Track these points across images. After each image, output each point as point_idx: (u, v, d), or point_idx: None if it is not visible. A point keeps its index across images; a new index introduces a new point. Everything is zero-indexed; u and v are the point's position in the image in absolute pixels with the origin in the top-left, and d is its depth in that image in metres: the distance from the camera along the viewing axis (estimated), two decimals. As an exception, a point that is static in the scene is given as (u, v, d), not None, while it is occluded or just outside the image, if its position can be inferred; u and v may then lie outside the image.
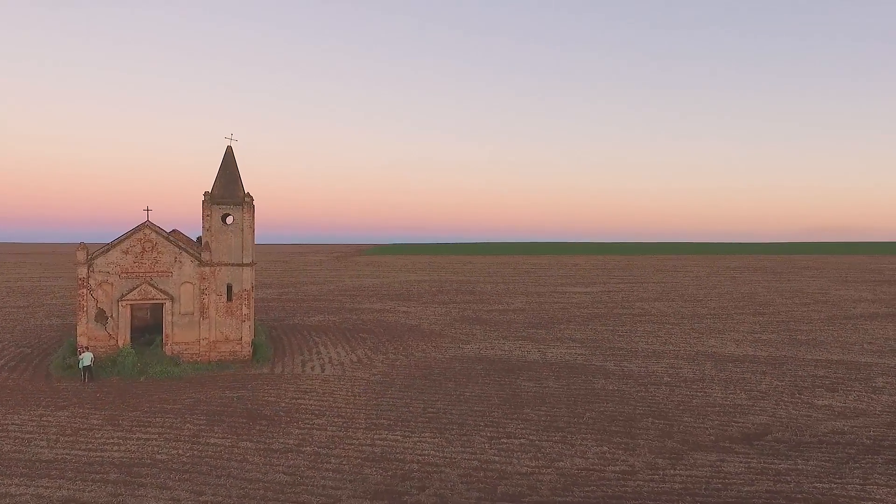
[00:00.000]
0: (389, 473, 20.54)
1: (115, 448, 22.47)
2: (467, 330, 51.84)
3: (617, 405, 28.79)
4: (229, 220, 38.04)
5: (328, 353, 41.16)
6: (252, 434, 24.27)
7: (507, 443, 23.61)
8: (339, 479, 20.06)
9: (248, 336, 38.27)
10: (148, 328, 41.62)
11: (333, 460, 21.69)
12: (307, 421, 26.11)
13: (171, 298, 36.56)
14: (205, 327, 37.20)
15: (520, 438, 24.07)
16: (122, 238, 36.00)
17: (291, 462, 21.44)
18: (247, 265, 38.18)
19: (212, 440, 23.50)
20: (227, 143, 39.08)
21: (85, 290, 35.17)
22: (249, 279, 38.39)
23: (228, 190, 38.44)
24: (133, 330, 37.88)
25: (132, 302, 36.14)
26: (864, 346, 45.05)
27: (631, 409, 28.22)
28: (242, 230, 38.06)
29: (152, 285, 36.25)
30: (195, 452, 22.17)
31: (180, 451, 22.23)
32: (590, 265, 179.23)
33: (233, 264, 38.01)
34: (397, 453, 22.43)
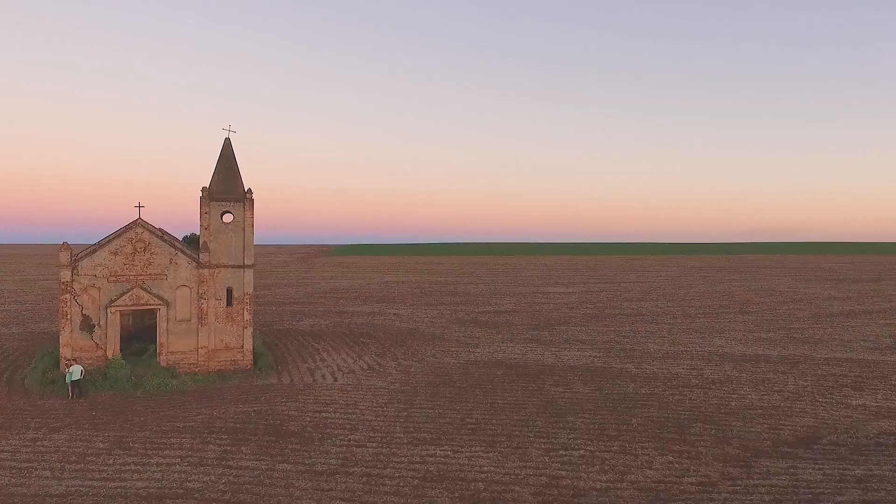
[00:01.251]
0: (456, 495, 18.71)
1: (135, 476, 19.68)
2: (468, 332, 50.23)
3: (659, 410, 27.82)
4: (227, 217, 35.09)
5: (333, 360, 38.70)
6: (286, 454, 21.90)
7: (565, 455, 22.16)
8: (406, 503, 18.11)
9: (249, 344, 35.40)
10: (132, 336, 38.08)
11: (389, 482, 19.68)
12: (341, 437, 23.90)
13: (167, 304, 33.33)
14: (203, 335, 34.13)
15: (577, 450, 22.66)
16: (110, 237, 32.55)
17: (343, 485, 19.29)
18: (248, 267, 35.31)
19: (243, 463, 21.01)
20: (225, 134, 36.16)
21: (68, 296, 31.55)
22: (251, 282, 35.52)
23: (228, 185, 35.49)
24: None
25: (122, 308, 32.73)
26: (861, 343, 46.09)
27: (674, 413, 27.31)
28: (244, 229, 35.18)
29: (145, 289, 32.94)
30: (230, 478, 19.67)
31: (213, 478, 19.68)
32: (559, 265, 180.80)
33: (233, 266, 35.06)
34: (454, 471, 20.60)
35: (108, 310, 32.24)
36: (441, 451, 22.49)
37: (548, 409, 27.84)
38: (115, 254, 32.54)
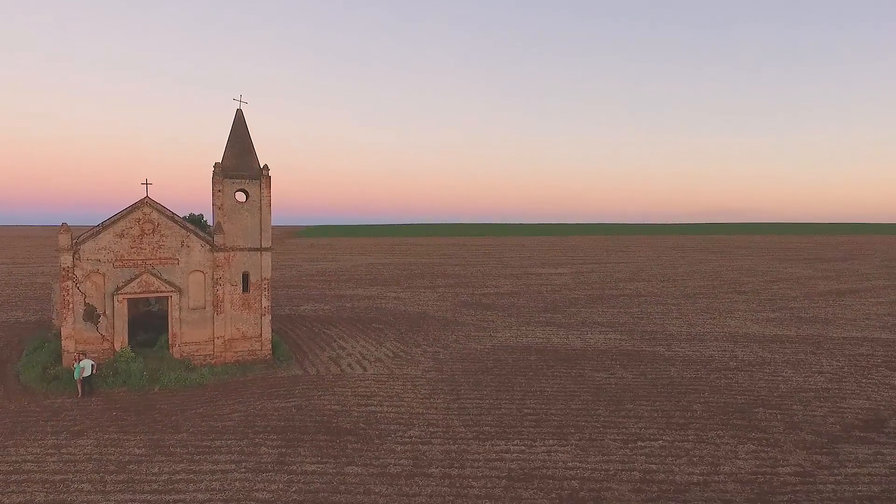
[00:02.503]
0: (554, 496, 17.34)
1: (192, 487, 17.48)
2: (481, 316, 48.82)
3: (713, 395, 27.07)
4: (240, 196, 32.25)
5: (353, 347, 36.64)
6: (349, 455, 20.01)
7: (644, 446, 21.07)
8: (503, 508, 16.63)
9: (268, 332, 32.94)
10: (133, 325, 34.99)
11: (475, 483, 18.13)
12: (399, 433, 22.14)
13: (179, 290, 30.49)
14: (219, 324, 31.47)
15: (653, 440, 21.60)
16: (115, 218, 29.35)
17: (429, 489, 17.63)
18: (265, 249, 32.66)
19: (307, 467, 19.04)
20: (237, 105, 33.08)
21: (70, 283, 28.37)
22: (269, 266, 32.94)
23: (242, 161, 32.58)
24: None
25: (131, 296, 29.74)
26: (865, 322, 46.97)
27: (730, 398, 26.62)
28: (260, 208, 32.43)
29: (155, 275, 29.99)
30: (300, 485, 17.70)
31: (280, 486, 17.68)
32: (537, 246, 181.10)
33: (249, 249, 32.36)
34: (538, 468, 19.20)
35: (115, 298, 29.21)
36: (514, 446, 21.05)
37: (601, 397, 26.75)
38: (121, 236, 29.42)
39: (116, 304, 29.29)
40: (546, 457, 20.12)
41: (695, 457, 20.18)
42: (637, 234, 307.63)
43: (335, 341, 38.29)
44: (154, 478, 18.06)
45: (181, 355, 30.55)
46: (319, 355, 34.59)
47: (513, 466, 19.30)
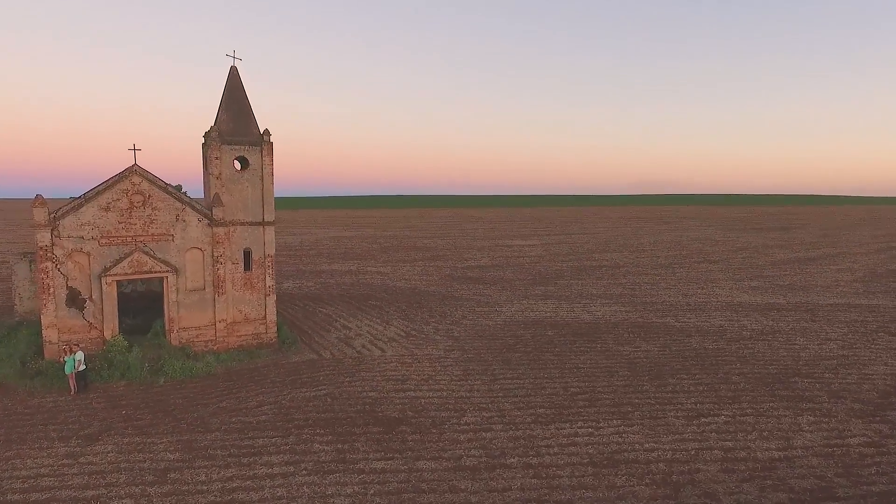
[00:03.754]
0: (648, 480, 16.48)
1: (254, 496, 15.26)
2: (476, 290, 47.55)
3: (744, 365, 27.07)
4: (236, 164, 28.97)
5: (358, 327, 34.48)
6: (413, 448, 18.35)
7: (709, 422, 20.60)
8: (603, 497, 15.53)
9: (273, 314, 30.23)
10: (122, 308, 31.29)
11: (560, 472, 16.96)
12: (453, 421, 20.63)
13: (175, 270, 27.23)
14: (221, 306, 28.50)
15: (715, 416, 21.16)
16: (100, 189, 25.57)
17: (516, 482, 16.31)
18: (269, 224, 29.69)
19: (374, 464, 17.23)
20: (231, 62, 29.47)
21: (49, 264, 24.59)
22: (272, 242, 30.06)
23: (240, 125, 29.20)
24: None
25: (121, 277, 26.25)
26: (840, 289, 49.25)
27: (762, 368, 26.72)
28: (262, 178, 29.32)
29: (148, 254, 26.56)
30: (378, 486, 15.92)
31: (356, 488, 15.80)
32: (494, 218, 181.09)
33: (251, 223, 29.32)
34: (617, 451, 18.27)
35: (103, 280, 25.69)
36: (579, 428, 20.06)
37: (639, 372, 26.24)
38: (107, 210, 25.74)
39: (105, 286, 25.79)
40: (619, 439, 19.28)
41: (763, 431, 19.94)
42: (585, 206, 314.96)
43: (336, 321, 35.99)
44: (204, 486, 15.79)
45: (180, 342, 27.50)
46: (326, 337, 32.30)
47: (590, 451, 18.32)
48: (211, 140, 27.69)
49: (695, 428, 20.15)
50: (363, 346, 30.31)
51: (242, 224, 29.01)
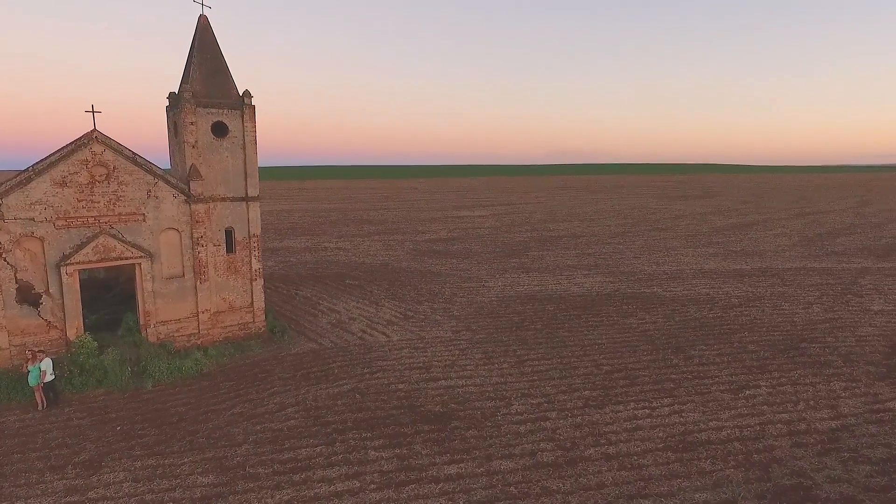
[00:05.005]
0: (733, 462, 15.84)
1: (328, 521, 13.07)
2: (449, 265, 45.77)
3: (751, 333, 27.42)
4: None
5: (347, 310, 31.79)
6: (479, 447, 16.61)
7: (753, 395, 20.43)
8: (701, 484, 14.71)
9: (260, 300, 26.93)
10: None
11: (643, 459, 15.95)
12: (502, 412, 19.08)
13: (150, 256, 23.22)
14: (204, 294, 24.87)
15: (755, 388, 20.99)
16: (53, 160, 20.94)
17: (608, 476, 15.10)
18: (252, 199, 26.13)
19: (447, 470, 15.35)
20: (198, 10, 25.08)
21: (-7, 253, 19.98)
22: (257, 219, 26.55)
23: (216, 85, 25.11)
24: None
25: (84, 265, 21.93)
26: (787, 253, 52.29)
27: (768, 335, 27.17)
28: (244, 146, 25.57)
29: (116, 237, 22.37)
30: (464, 496, 14.09)
31: (440, 501, 13.93)
32: (431, 188, 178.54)
33: (233, 198, 25.61)
34: (685, 433, 17.47)
35: (62, 270, 21.36)
36: (635, 410, 19.21)
37: (658, 345, 25.89)
38: (63, 185, 21.23)
39: (65, 277, 21.48)
40: (679, 419, 18.66)
41: (809, 400, 20.11)
42: (505, 175, 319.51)
43: (319, 304, 33.05)
44: (261, 516, 13.32)
45: (158, 338, 23.77)
46: (316, 323, 29.46)
47: (660, 435, 17.55)
48: (184, 102, 23.57)
49: (744, 401, 20.01)
50: (363, 332, 27.90)
51: (223, 200, 25.30)
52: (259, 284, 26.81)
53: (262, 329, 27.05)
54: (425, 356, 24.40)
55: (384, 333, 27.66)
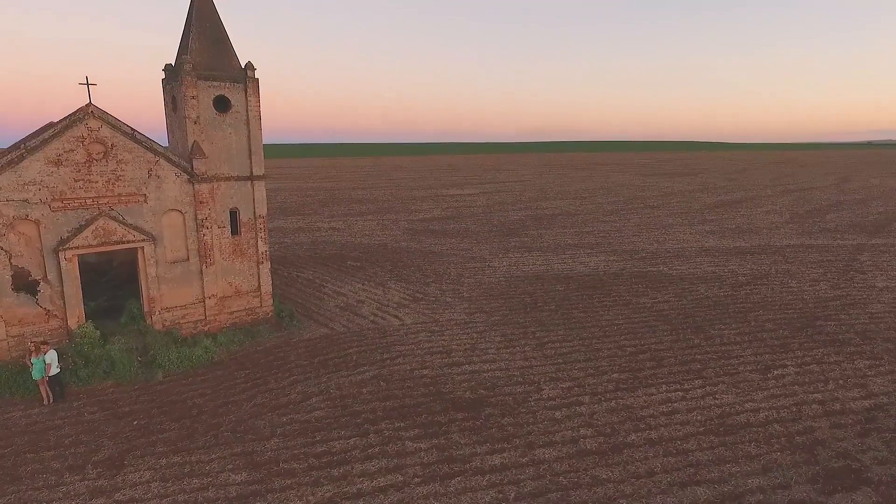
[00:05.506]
0: (777, 445, 15.53)
1: (377, 519, 12.40)
2: (449, 244, 44.95)
3: (767, 312, 27.27)
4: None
5: (353, 293, 30.86)
6: (516, 434, 16.04)
7: (783, 375, 20.22)
8: (751, 469, 14.34)
9: (267, 284, 25.81)
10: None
11: (687, 444, 15.54)
12: (533, 396, 18.57)
13: (153, 239, 21.89)
14: (210, 279, 23.66)
15: (783, 368, 20.82)
16: (46, 137, 19.34)
17: (655, 463, 14.72)
18: (258, 178, 24.82)
19: (490, 460, 14.79)
20: (196, -27, 23.26)
21: (-15, 238, 18.49)
22: (263, 199, 25.28)
23: (217, 56, 23.54)
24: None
25: (84, 250, 20.54)
26: (781, 231, 52.67)
27: (783, 314, 27.04)
28: (248, 122, 24.13)
29: (116, 219, 20.97)
30: (515, 487, 13.54)
31: (489, 497, 13.35)
32: (414, 165, 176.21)
33: (237, 178, 24.26)
34: (723, 416, 17.20)
35: (60, 255, 19.97)
36: (668, 392, 18.87)
37: (675, 325, 25.59)
38: (58, 164, 19.70)
39: (63, 263, 20.09)
40: (714, 401, 18.39)
41: (838, 379, 20.04)
42: (486, 153, 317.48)
43: (324, 287, 32.05)
44: (305, 516, 12.60)
45: (164, 325, 22.60)
46: (323, 307, 28.52)
47: (699, 418, 17.24)
48: (185, 74, 22.02)
49: (774, 382, 19.85)
50: (374, 315, 27.08)
51: (227, 179, 23.95)
52: (266, 268, 25.67)
53: (270, 314, 26.02)
54: (444, 340, 23.73)
55: (396, 317, 26.88)
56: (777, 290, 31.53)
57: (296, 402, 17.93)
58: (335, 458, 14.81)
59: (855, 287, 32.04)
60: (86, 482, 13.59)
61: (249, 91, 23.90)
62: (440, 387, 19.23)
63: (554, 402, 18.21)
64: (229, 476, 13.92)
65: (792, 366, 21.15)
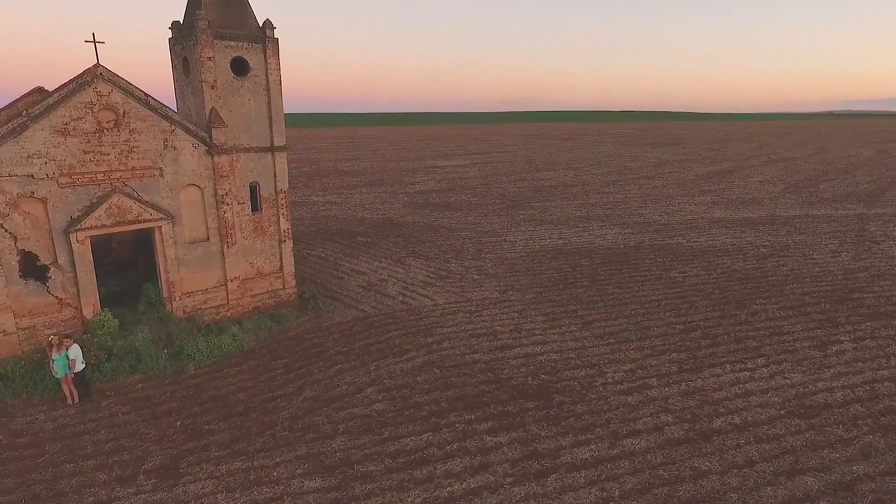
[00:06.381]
0: (864, 428, 14.91)
1: (481, 527, 11.28)
2: (458, 218, 43.40)
3: (801, 285, 26.82)
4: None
5: (373, 271, 29.27)
6: (594, 423, 15.07)
7: (842, 351, 19.65)
8: (850, 455, 13.63)
9: (290, 265, 24.04)
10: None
11: (775, 429, 14.82)
12: (598, 381, 17.61)
13: (171, 217, 19.84)
14: (232, 260, 21.76)
15: (839, 344, 20.21)
16: (51, 103, 16.95)
17: (748, 450, 13.89)
18: (279, 149, 22.77)
19: (577, 453, 13.76)
20: (206, -83, 20.62)
21: (-13, 219, 16.24)
22: (284, 172, 23.27)
23: (233, 14, 21.13)
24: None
25: (98, 231, 18.41)
26: (781, 200, 52.74)
27: (817, 287, 26.58)
28: (268, 87, 21.95)
29: (131, 196, 18.83)
30: (616, 483, 12.55)
31: (595, 494, 12.34)
32: (392, 136, 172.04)
33: (257, 149, 22.18)
34: (797, 396, 16.52)
35: (72, 237, 17.84)
36: (734, 373, 18.09)
37: (715, 299, 24.87)
38: (65, 133, 17.38)
39: (75, 246, 17.99)
40: (783, 381, 17.75)
41: (897, 355, 19.78)
42: (467, 123, 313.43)
43: (340, 266, 30.35)
44: (400, 526, 11.40)
45: (185, 312, 20.73)
46: (344, 287, 26.92)
47: (775, 400, 16.55)
48: (199, 33, 19.66)
49: (836, 359, 19.35)
50: (403, 295, 25.65)
51: (247, 150, 21.87)
52: (288, 247, 23.84)
53: (293, 296, 24.32)
54: (484, 321, 22.56)
55: (426, 296, 25.53)
56: (801, 262, 31.24)
57: (350, 395, 16.57)
58: (412, 457, 13.60)
59: (876, 258, 32.01)
60: (141, 496, 12.06)
61: (269, 52, 21.64)
62: (498, 373, 18.11)
63: (622, 387, 17.32)
64: (302, 483, 12.59)
65: (847, 341, 20.72)
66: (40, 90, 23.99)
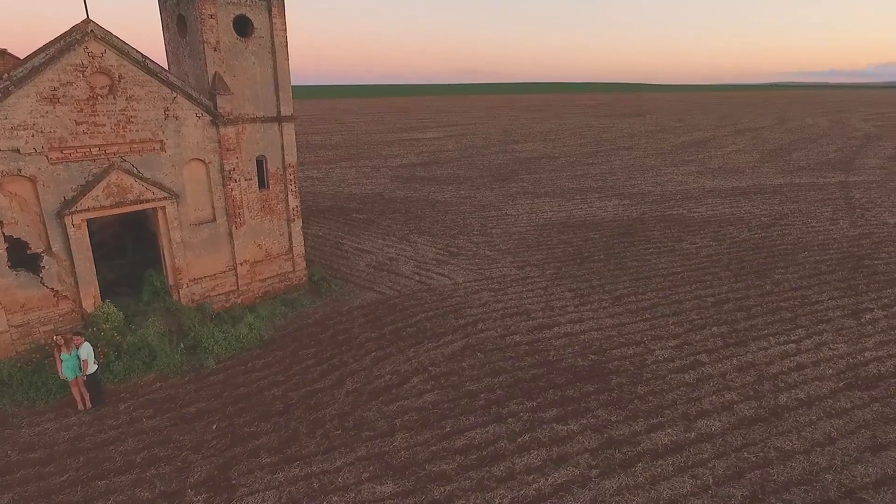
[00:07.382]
0: (926, 399, 14.99)
1: (582, 528, 10.38)
2: (452, 193, 41.92)
3: (813, 254, 26.81)
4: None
5: (379, 250, 27.69)
6: (660, 405, 14.36)
7: (876, 319, 19.53)
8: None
9: (300, 246, 22.27)
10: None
11: (839, 403, 14.43)
12: (648, 360, 16.92)
13: (175, 197, 17.75)
14: (241, 242, 19.86)
15: (870, 313, 20.04)
16: (37, 65, 14.53)
17: (825, 427, 13.44)
18: (286, 119, 20.76)
19: (655, 439, 13.01)
20: None
21: (-32, 201, 13.90)
22: (292, 145, 21.31)
23: (233, -36, 18.79)
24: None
25: (96, 213, 16.21)
26: (762, 169, 53.39)
27: (825, 255, 26.69)
28: (273, 50, 19.82)
29: (131, 172, 16.64)
30: (707, 470, 11.86)
31: (690, 482, 11.61)
32: (356, 109, 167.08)
33: (263, 119, 20.13)
34: (848, 367, 16.23)
35: (67, 220, 15.64)
36: (779, 346, 17.73)
37: (735, 270, 24.54)
38: (54, 101, 15.03)
39: (71, 230, 15.83)
40: (830, 352, 17.49)
41: (928, 322, 19.91)
42: (431, 95, 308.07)
43: (342, 244, 28.63)
44: (494, 531, 10.38)
45: (193, 300, 18.84)
46: (353, 266, 25.34)
47: (828, 372, 16.20)
48: (198, -15, 17.40)
49: (872, 327, 19.29)
50: (418, 275, 24.32)
51: (253, 121, 19.84)
52: (297, 226, 22.05)
53: (304, 279, 22.64)
54: (512, 300, 21.55)
55: (443, 275, 24.30)
56: (803, 230, 31.47)
57: (396, 386, 15.34)
58: (485, 452, 12.58)
59: (872, 225, 32.57)
60: (193, 513, 10.67)
61: (274, 11, 19.48)
62: (544, 355, 17.20)
63: (675, 364, 16.71)
64: (374, 488, 11.39)
65: (877, 308, 20.75)
66: (3, 53, 21.13)
